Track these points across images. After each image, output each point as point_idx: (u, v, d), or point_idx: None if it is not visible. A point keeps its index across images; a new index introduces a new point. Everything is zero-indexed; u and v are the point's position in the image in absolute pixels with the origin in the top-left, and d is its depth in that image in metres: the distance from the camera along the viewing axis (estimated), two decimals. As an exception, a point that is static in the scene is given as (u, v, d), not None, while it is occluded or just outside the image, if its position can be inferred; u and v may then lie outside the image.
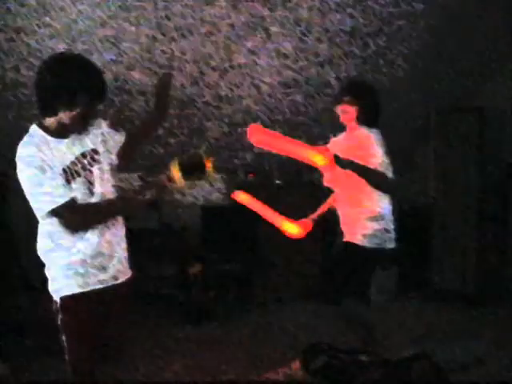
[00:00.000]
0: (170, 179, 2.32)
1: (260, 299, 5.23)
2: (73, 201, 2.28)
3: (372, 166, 3.18)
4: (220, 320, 4.84)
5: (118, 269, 2.45)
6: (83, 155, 2.38)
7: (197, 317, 4.85)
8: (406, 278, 5.36)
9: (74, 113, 2.27)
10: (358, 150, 3.29)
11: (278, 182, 5.53)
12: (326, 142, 3.52)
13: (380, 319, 4.73)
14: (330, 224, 5.58)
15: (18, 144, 2.32)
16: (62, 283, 2.36)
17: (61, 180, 2.27)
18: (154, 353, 4.05)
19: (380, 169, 3.20)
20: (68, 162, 2.33)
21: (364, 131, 3.40)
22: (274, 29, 4.42)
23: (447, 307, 4.96)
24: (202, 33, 4.34)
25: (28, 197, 2.31)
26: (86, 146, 2.40)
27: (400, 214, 5.86)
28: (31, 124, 2.38)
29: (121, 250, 2.49)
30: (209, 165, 2.36)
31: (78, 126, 2.34)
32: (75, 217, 2.30)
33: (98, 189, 2.39)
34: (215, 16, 4.24)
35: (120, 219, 2.51)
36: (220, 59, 4.58)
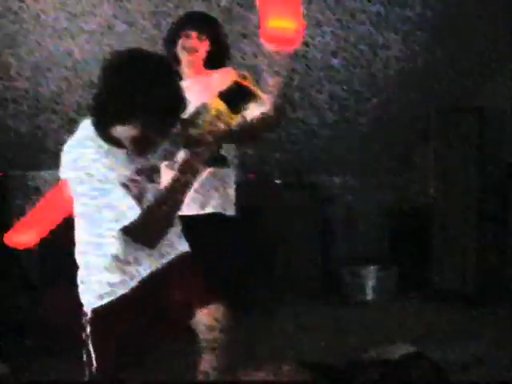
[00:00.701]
0: (217, 117, 1.88)
1: (260, 299, 5.23)
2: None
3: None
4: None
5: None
6: (140, 171, 1.98)
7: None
8: (406, 278, 5.36)
9: (131, 132, 1.83)
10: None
11: (277, 181, 5.53)
12: None
13: (380, 319, 4.75)
14: (329, 224, 5.64)
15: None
16: (97, 293, 2.08)
17: (124, 192, 1.90)
18: (154, 353, 4.03)
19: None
20: (123, 178, 1.92)
21: (224, 70, 2.71)
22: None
23: (447, 307, 4.95)
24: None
25: (85, 208, 1.96)
26: (145, 159, 1.99)
27: (400, 213, 5.91)
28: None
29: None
30: (252, 86, 1.97)
31: (135, 148, 1.90)
32: (148, 228, 1.93)
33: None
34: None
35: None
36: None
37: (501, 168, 5.28)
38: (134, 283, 2.08)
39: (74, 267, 2.59)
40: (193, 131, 1.88)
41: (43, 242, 3.58)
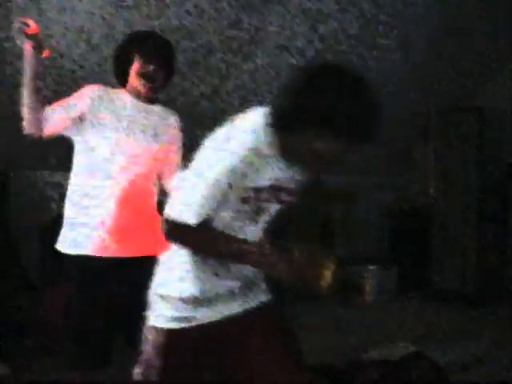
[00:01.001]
0: (319, 275, 1.75)
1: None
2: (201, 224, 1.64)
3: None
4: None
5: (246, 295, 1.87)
6: (276, 188, 1.73)
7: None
8: (406, 278, 5.36)
9: (332, 147, 1.65)
10: (163, 134, 2.39)
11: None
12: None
13: (380, 319, 4.75)
14: (329, 225, 5.63)
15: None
16: (173, 313, 1.81)
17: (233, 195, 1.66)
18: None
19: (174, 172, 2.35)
20: (258, 185, 1.68)
21: (167, 111, 2.46)
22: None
23: (447, 307, 4.96)
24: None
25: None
26: (289, 179, 1.75)
27: (400, 213, 5.91)
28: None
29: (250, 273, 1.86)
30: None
31: (312, 166, 1.72)
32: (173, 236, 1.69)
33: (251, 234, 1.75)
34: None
35: None
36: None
37: (501, 168, 5.28)
38: (213, 312, 1.82)
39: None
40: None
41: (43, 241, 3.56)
